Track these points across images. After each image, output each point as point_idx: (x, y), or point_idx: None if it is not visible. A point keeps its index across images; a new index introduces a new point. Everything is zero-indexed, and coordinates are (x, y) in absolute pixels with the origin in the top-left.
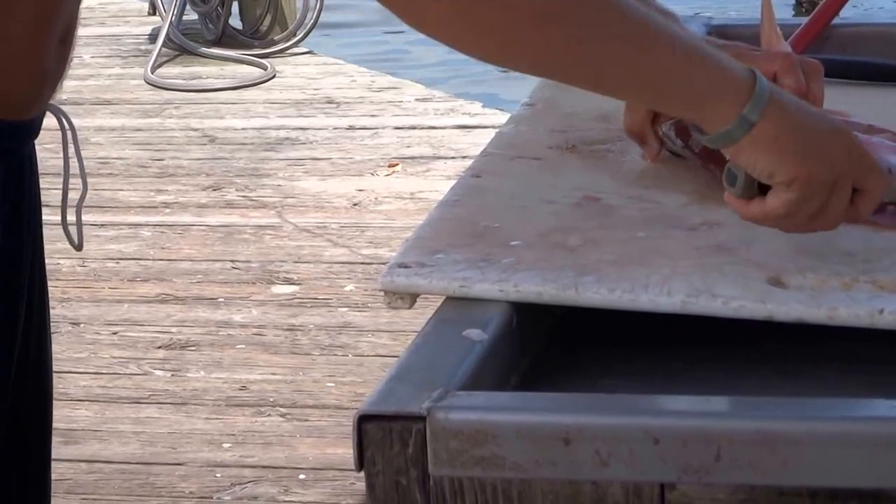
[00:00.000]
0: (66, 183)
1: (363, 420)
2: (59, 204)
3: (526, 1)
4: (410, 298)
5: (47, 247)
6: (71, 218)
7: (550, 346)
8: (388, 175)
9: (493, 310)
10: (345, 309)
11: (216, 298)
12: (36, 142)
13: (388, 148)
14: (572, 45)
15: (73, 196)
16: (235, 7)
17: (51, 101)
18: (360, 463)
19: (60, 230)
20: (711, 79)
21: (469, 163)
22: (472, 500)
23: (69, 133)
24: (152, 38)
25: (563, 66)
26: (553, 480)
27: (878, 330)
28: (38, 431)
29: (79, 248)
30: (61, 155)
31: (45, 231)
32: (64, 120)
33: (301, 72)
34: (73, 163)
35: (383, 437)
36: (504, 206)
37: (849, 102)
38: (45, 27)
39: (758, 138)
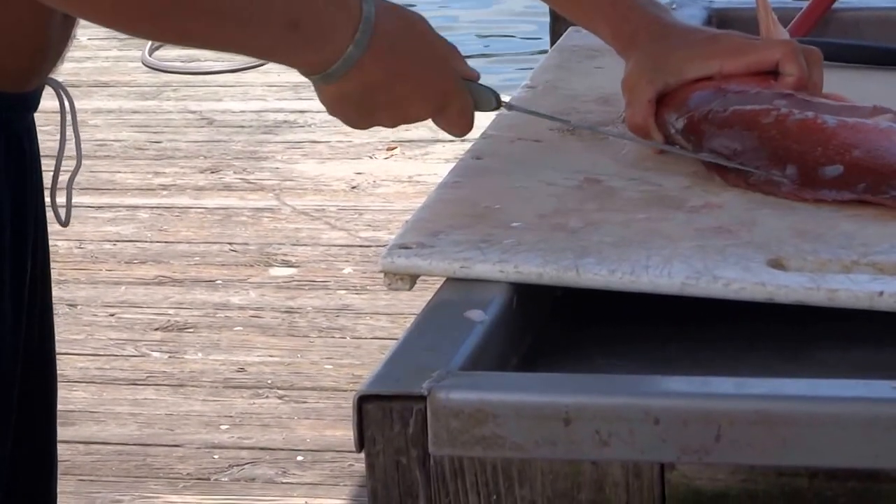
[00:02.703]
0: (59, 157)
1: (363, 400)
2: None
3: None
4: (410, 279)
5: None
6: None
7: (551, 326)
8: (386, 158)
9: (494, 290)
10: (343, 291)
11: (214, 280)
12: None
13: (386, 131)
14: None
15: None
16: None
17: (50, 76)
18: (360, 443)
19: (60, 213)
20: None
21: (468, 146)
22: (472, 479)
23: (67, 106)
24: None
25: (172, 35)
26: (553, 460)
27: (877, 312)
28: (42, 413)
29: (65, 224)
30: (58, 133)
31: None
32: (63, 94)
33: None
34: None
35: (383, 416)
36: (504, 188)
37: (849, 87)
38: None
39: (319, 91)
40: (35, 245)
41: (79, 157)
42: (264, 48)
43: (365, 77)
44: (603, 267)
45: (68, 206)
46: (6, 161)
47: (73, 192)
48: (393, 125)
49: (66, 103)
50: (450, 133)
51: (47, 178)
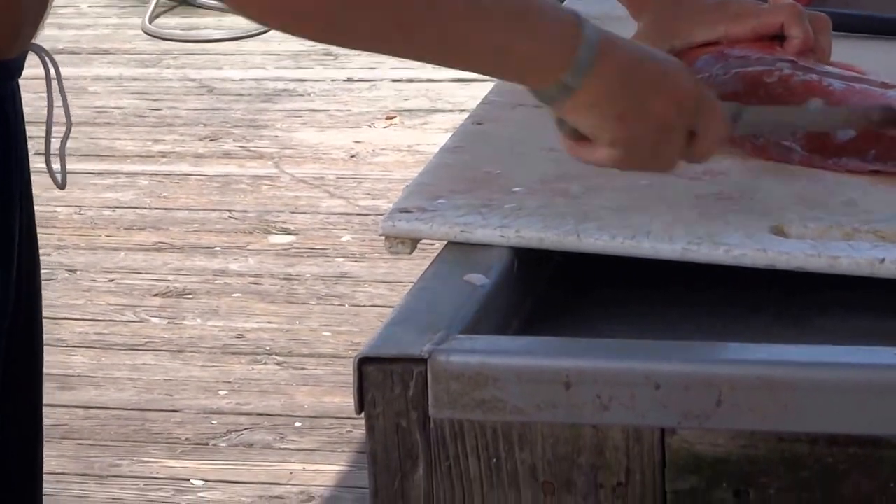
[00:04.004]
0: (49, 122)
1: (364, 362)
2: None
3: None
4: (411, 243)
5: (44, 193)
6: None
7: (551, 291)
8: (385, 127)
9: (495, 255)
10: (341, 259)
11: (213, 247)
12: (23, 89)
13: (385, 100)
14: (388, 27)
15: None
16: None
17: (33, 41)
18: (361, 405)
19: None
20: (534, 43)
21: (467, 116)
22: (472, 442)
23: (52, 72)
24: None
25: (387, 48)
26: (553, 424)
27: (878, 279)
28: (28, 374)
29: (62, 186)
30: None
31: (38, 177)
32: (48, 60)
33: None
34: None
35: (384, 379)
36: (506, 153)
37: (855, 56)
38: None
39: (577, 103)
40: (20, 209)
41: (68, 122)
42: (498, 43)
43: (614, 58)
44: (604, 232)
45: (63, 169)
46: None
47: (74, 158)
48: (667, 115)
49: (52, 69)
50: (707, 143)
51: (39, 145)
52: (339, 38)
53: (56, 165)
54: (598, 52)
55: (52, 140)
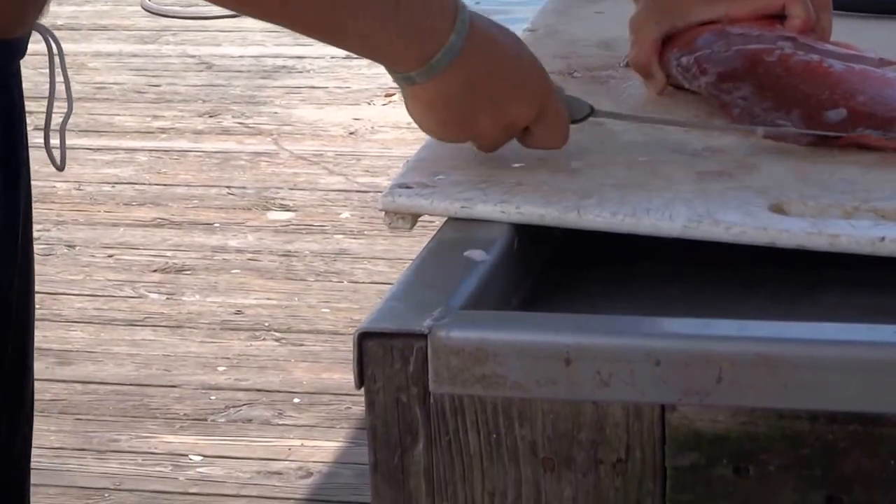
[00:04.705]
0: (50, 102)
1: (364, 337)
2: (55, 126)
3: None
4: (412, 219)
5: (43, 169)
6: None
7: (551, 267)
8: (384, 104)
9: (495, 231)
10: (340, 236)
11: (212, 223)
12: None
13: (384, 77)
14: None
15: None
16: None
17: (38, 21)
18: (361, 380)
19: (55, 153)
20: (396, 39)
21: None
22: (472, 418)
23: (55, 50)
24: None
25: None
26: (553, 400)
27: (878, 258)
28: (19, 344)
29: (61, 168)
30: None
31: (37, 153)
32: (51, 40)
33: None
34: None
35: (384, 354)
36: None
37: (854, 35)
38: None
39: (415, 95)
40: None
41: (70, 102)
42: (364, 32)
43: (467, 70)
44: (604, 209)
45: (63, 149)
46: None
47: (73, 133)
48: (490, 134)
49: (55, 48)
50: (544, 146)
51: (38, 121)
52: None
53: (55, 143)
54: (453, 59)
55: (53, 121)
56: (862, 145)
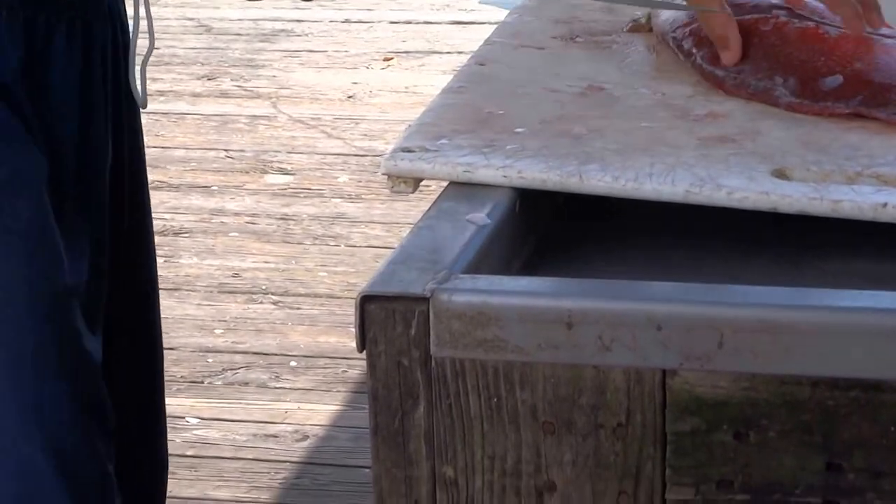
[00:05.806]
0: (134, 38)
1: (366, 301)
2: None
3: None
4: (414, 182)
5: None
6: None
7: (553, 231)
8: (383, 69)
9: (497, 195)
10: (338, 200)
11: (210, 186)
12: None
13: (383, 42)
14: None
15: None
16: None
17: None
18: (362, 343)
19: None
20: None
21: (465, 58)
22: (473, 381)
23: None
24: None
25: None
26: (555, 364)
27: (880, 224)
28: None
29: (143, 105)
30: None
31: None
32: None
33: None
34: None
35: (386, 317)
36: (508, 94)
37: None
38: None
39: None
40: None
41: (151, 40)
42: None
43: None
44: (606, 174)
45: (143, 86)
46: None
47: None
48: None
49: None
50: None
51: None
52: None
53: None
54: None
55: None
56: (856, 114)
